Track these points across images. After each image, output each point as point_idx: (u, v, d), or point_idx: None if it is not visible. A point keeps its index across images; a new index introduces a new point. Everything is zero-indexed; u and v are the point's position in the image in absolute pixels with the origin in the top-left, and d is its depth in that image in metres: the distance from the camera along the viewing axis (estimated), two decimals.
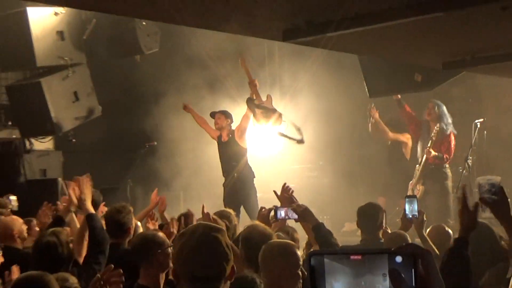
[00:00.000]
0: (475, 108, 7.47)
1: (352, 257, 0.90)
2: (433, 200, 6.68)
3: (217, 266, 1.79)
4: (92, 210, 3.72)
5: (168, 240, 3.30)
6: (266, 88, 7.46)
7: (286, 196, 3.83)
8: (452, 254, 2.33)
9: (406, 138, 7.22)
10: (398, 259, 0.86)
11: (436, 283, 0.95)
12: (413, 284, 0.84)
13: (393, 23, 3.90)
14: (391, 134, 7.38)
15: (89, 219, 3.50)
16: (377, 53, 5.95)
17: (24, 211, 4.99)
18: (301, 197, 3.89)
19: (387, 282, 0.86)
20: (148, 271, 2.94)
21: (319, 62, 6.98)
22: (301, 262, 2.67)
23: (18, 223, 4.17)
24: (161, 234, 3.41)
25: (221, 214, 4.04)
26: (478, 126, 6.66)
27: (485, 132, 6.90)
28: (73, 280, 2.67)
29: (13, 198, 5.29)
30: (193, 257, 1.77)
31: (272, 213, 3.91)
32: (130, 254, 3.30)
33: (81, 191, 3.79)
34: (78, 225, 4.08)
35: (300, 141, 6.49)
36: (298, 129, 6.53)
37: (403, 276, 0.84)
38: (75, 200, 3.79)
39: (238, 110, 6.82)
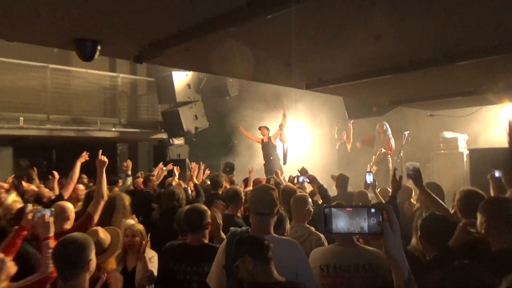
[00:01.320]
0: (404, 125, 9.87)
1: (347, 209, 1.26)
2: (382, 174, 9.07)
3: (270, 207, 2.43)
4: (196, 181, 5.45)
5: None
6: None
7: (304, 170, 4.99)
8: (389, 203, 2.92)
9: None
10: (372, 210, 1.23)
11: (395, 224, 1.21)
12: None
13: (364, 81, 5.21)
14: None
15: (195, 186, 5.28)
16: (354, 95, 7.86)
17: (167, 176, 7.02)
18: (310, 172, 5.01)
19: (366, 222, 1.23)
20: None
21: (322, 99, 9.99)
22: (310, 204, 3.55)
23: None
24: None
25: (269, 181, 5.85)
26: (406, 134, 9.07)
27: (409, 138, 9.17)
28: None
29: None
30: (258, 200, 2.47)
31: (295, 179, 5.23)
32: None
33: (194, 170, 5.86)
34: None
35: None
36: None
37: (376, 218, 1.21)
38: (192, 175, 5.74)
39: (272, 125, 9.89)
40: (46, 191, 5.15)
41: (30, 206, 3.01)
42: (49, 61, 9.77)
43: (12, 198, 3.39)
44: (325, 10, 3.01)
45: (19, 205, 3.39)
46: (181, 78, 10.66)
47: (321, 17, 3.17)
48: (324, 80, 5.70)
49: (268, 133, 9.44)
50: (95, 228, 2.97)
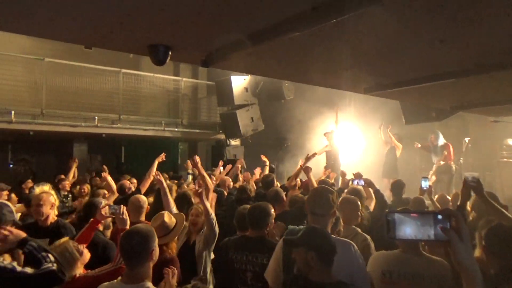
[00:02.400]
0: (464, 131, 9.40)
1: (412, 214, 1.18)
2: (441, 186, 8.39)
3: (325, 208, 2.44)
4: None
5: None
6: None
7: (358, 174, 5.05)
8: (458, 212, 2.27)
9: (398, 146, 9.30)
10: (439, 216, 1.14)
11: (464, 232, 1.12)
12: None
13: (424, 86, 4.94)
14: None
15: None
16: (414, 100, 7.38)
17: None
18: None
19: (433, 229, 1.15)
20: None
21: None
22: (360, 208, 3.54)
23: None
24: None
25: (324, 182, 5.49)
26: (466, 141, 8.67)
27: (470, 145, 8.74)
28: None
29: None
30: (314, 201, 2.51)
31: (350, 182, 5.16)
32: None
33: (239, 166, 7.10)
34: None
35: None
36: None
37: (443, 225, 1.12)
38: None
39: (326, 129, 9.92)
40: (126, 183, 5.52)
41: (104, 202, 3.26)
42: (122, 66, 10.37)
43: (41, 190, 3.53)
44: (389, 15, 2.91)
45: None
46: (239, 82, 10.93)
47: (384, 21, 3.06)
48: (383, 84, 5.43)
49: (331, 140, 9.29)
50: (162, 212, 3.13)
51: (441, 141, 8.92)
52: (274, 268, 2.53)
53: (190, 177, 7.16)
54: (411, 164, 10.01)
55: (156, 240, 2.30)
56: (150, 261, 2.22)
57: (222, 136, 11.66)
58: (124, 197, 4.69)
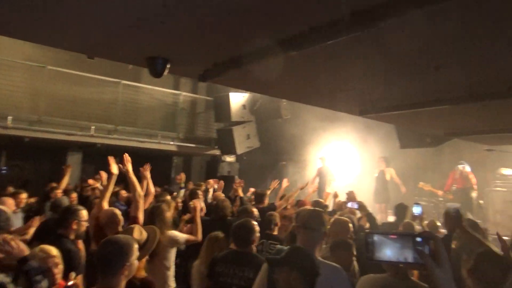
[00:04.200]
0: (458, 158, 9.04)
1: (391, 236, 1.16)
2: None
3: (318, 223, 2.48)
4: (241, 194, 5.97)
5: None
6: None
7: (351, 194, 4.95)
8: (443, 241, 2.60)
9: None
10: (419, 239, 1.11)
11: (443, 255, 1.10)
12: (428, 253, 1.09)
13: (419, 111, 5.03)
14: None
15: (240, 199, 5.69)
16: (408, 125, 7.37)
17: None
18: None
19: (411, 251, 1.12)
20: None
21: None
22: (351, 227, 3.60)
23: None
24: None
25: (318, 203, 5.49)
26: (460, 168, 8.58)
27: (463, 172, 8.71)
28: None
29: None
30: (308, 216, 2.54)
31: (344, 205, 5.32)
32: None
33: (238, 186, 6.22)
34: None
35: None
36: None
37: (421, 248, 1.10)
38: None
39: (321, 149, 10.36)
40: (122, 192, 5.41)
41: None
42: (122, 77, 10.43)
43: None
44: (385, 40, 2.96)
45: None
46: (237, 99, 10.94)
47: (380, 46, 3.11)
48: (378, 107, 5.50)
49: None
50: (132, 226, 2.97)
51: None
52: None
53: (182, 191, 7.11)
54: (407, 187, 9.93)
55: (135, 255, 2.18)
56: (122, 275, 2.10)
57: (218, 152, 11.65)
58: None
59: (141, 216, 3.35)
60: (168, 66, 3.67)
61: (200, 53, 3.50)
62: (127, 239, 2.24)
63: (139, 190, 3.45)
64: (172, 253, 3.66)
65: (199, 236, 3.89)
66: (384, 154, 9.64)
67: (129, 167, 3.51)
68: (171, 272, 3.62)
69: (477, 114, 5.48)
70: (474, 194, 8.65)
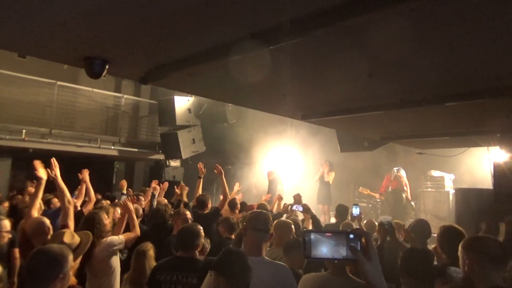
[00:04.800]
0: (393, 161, 9.99)
1: (326, 234, 1.23)
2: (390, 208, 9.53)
3: (266, 224, 2.59)
4: (185, 200, 5.71)
5: None
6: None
7: (298, 197, 5.13)
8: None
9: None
10: (351, 236, 1.20)
11: (372, 250, 1.18)
12: (359, 249, 1.18)
13: (356, 116, 5.30)
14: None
15: (185, 204, 5.41)
16: (347, 129, 7.71)
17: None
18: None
19: (345, 248, 1.20)
20: None
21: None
22: (293, 228, 3.74)
23: None
24: None
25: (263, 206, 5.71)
26: (395, 171, 9.41)
27: (398, 174, 9.72)
28: None
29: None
30: (256, 217, 2.62)
31: (289, 207, 5.43)
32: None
33: (181, 191, 5.88)
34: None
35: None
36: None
37: (354, 245, 1.18)
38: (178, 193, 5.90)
39: (268, 153, 10.62)
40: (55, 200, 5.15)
41: None
42: (58, 78, 9.87)
43: None
44: (321, 46, 3.11)
45: None
46: (182, 103, 10.85)
47: (316, 52, 3.27)
48: (319, 112, 5.74)
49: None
50: (63, 230, 2.86)
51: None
52: None
53: (123, 198, 6.86)
54: (344, 192, 10.41)
55: (69, 265, 2.08)
56: (55, 286, 1.98)
57: (162, 157, 11.48)
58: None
59: (71, 224, 3.18)
60: (107, 67, 3.56)
61: (141, 55, 3.44)
62: (60, 249, 2.12)
63: (68, 197, 3.29)
64: (114, 261, 3.51)
65: (137, 230, 3.79)
66: (328, 158, 10.06)
67: (57, 172, 3.33)
68: (117, 282, 3.49)
69: (409, 120, 5.85)
70: (404, 195, 9.32)
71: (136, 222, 3.89)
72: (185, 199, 5.87)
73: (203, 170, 6.29)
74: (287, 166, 10.94)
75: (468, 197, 6.46)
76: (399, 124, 6.41)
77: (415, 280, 2.49)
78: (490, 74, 3.57)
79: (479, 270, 2.19)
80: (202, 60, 3.35)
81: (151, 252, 3.40)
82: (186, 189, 6.21)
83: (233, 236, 4.26)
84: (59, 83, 9.93)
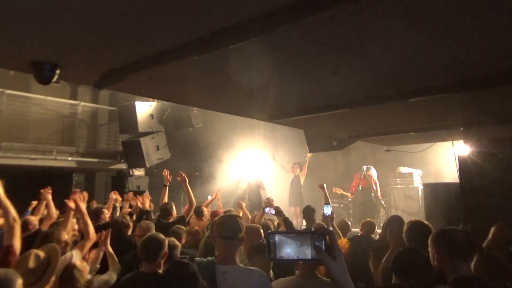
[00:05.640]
0: (362, 159, 10.35)
1: (290, 235, 1.23)
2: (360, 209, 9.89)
3: (234, 230, 2.51)
4: (148, 209, 5.73)
5: None
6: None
7: (269, 201, 5.17)
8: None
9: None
10: (316, 235, 1.21)
11: (336, 249, 1.20)
12: (324, 248, 1.19)
13: (323, 115, 5.40)
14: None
15: (146, 213, 5.42)
16: (315, 129, 7.92)
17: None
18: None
19: (310, 248, 1.20)
20: None
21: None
22: (262, 233, 3.71)
23: None
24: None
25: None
26: (364, 169, 9.62)
27: (368, 173, 9.85)
28: None
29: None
30: (223, 224, 2.57)
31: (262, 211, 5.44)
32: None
33: (143, 201, 5.93)
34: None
35: None
36: None
37: (318, 244, 1.19)
38: (140, 205, 5.84)
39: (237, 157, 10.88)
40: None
41: None
42: (6, 86, 9.44)
43: None
44: (284, 43, 3.13)
45: None
46: (144, 108, 10.58)
47: (280, 50, 3.28)
48: (285, 112, 5.78)
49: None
50: (28, 252, 2.67)
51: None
52: None
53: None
54: (316, 192, 10.52)
55: None
56: None
57: (124, 166, 11.21)
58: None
59: (17, 244, 2.96)
60: (58, 71, 3.42)
61: (94, 57, 3.33)
62: (5, 274, 1.95)
63: (13, 215, 3.02)
64: None
65: (91, 235, 3.66)
66: (298, 159, 10.19)
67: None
68: None
69: (375, 117, 5.99)
70: (373, 194, 9.61)
71: (90, 224, 3.74)
72: (147, 207, 5.75)
73: (168, 177, 6.17)
74: (257, 168, 11.01)
75: (436, 192, 6.68)
76: (366, 122, 6.57)
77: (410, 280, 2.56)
78: (450, 69, 3.71)
79: (447, 262, 2.28)
80: (160, 62, 3.29)
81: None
82: (149, 198, 6.07)
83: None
84: (8, 91, 9.49)
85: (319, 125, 7.13)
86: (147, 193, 6.35)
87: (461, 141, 7.17)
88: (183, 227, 4.62)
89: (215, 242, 2.57)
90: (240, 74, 3.87)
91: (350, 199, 10.21)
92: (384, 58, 3.45)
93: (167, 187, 6.21)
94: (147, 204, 5.94)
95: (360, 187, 9.76)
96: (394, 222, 4.05)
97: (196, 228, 5.21)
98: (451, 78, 3.94)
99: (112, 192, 6.57)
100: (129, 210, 6.48)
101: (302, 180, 9.88)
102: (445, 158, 9.36)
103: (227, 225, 2.50)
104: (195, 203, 5.76)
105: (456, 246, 2.29)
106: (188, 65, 3.42)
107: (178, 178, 5.64)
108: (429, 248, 2.41)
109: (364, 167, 9.81)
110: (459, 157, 6.61)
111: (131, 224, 4.73)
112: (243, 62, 3.48)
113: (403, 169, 9.97)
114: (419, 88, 4.29)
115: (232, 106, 5.65)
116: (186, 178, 5.60)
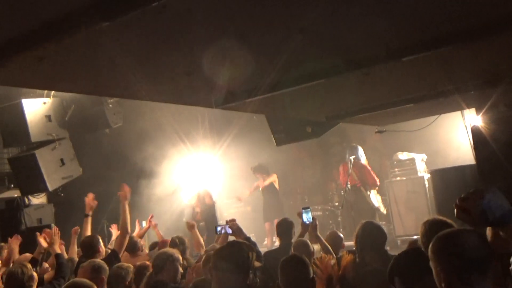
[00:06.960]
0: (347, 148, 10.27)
1: None
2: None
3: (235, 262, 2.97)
4: (58, 251, 5.54)
5: None
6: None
7: (231, 220, 5.24)
8: None
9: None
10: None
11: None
12: None
13: (288, 91, 5.40)
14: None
15: (57, 257, 5.31)
16: (278, 112, 8.04)
17: (24, 251, 6.63)
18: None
19: None
20: None
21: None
22: None
23: None
24: None
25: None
26: (351, 160, 9.68)
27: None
28: None
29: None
30: (217, 259, 3.05)
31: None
32: None
33: (51, 239, 5.67)
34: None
35: None
36: None
37: None
38: (45, 245, 5.70)
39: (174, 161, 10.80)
40: None
41: None
42: None
43: None
44: None
45: None
46: (36, 108, 10.33)
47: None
48: (237, 93, 5.75)
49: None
50: None
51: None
52: None
53: None
54: (290, 201, 10.68)
55: None
56: None
57: (16, 193, 10.84)
58: None
59: None
60: None
61: None
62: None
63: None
64: None
65: None
66: (257, 162, 10.29)
67: None
68: None
69: (359, 88, 6.06)
70: (367, 190, 9.86)
71: None
72: (57, 249, 5.57)
73: (92, 204, 6.28)
74: (205, 179, 11.06)
75: (447, 179, 6.91)
76: (348, 95, 6.60)
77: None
78: (457, 12, 3.78)
79: (459, 283, 2.04)
80: (55, 35, 3.16)
81: None
82: (58, 234, 5.85)
83: None
84: None
85: (284, 107, 7.10)
86: (56, 228, 6.06)
87: (473, 111, 7.44)
88: (129, 265, 4.64)
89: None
90: (170, 44, 3.80)
91: (336, 203, 10.38)
92: (369, 8, 3.47)
93: (90, 217, 6.07)
94: (57, 244, 5.72)
95: (348, 185, 9.88)
96: (366, 230, 4.30)
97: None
98: (457, 24, 4.02)
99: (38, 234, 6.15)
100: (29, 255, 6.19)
101: (276, 185, 9.99)
102: (454, 136, 9.69)
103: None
104: (129, 231, 5.74)
105: (469, 258, 2.04)
106: (94, 37, 3.29)
107: (119, 194, 5.64)
108: (431, 264, 2.16)
109: (351, 157, 9.87)
110: (472, 131, 6.87)
111: (35, 275, 4.60)
112: (173, 25, 3.39)
113: (402, 156, 10.20)
114: (415, 42, 4.35)
115: (164, 91, 5.57)
116: (128, 194, 5.63)
